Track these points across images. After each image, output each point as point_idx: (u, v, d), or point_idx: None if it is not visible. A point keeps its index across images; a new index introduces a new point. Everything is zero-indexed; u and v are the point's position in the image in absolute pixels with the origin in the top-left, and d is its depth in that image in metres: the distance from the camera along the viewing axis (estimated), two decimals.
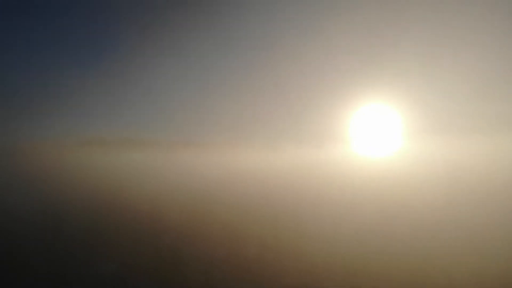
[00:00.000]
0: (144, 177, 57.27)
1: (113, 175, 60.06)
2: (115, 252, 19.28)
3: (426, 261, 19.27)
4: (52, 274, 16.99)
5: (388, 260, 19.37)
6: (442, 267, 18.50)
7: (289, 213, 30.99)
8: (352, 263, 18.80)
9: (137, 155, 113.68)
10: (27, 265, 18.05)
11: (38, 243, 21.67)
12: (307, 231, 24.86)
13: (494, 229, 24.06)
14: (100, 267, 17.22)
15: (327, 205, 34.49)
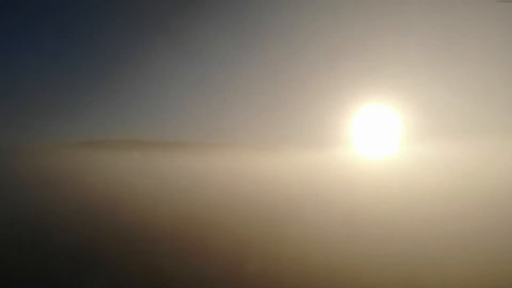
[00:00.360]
0: (145, 180, 57.13)
1: (113, 178, 59.88)
2: (109, 265, 18.94)
3: (429, 265, 19.06)
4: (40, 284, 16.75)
5: (394, 265, 19.13)
6: (446, 271, 18.30)
7: (290, 216, 30.70)
8: (357, 270, 18.54)
9: (139, 157, 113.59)
10: (14, 273, 17.80)
11: (29, 249, 21.43)
12: (309, 235, 24.58)
13: (495, 232, 23.92)
14: (92, 282, 16.89)
15: (329, 208, 34.24)
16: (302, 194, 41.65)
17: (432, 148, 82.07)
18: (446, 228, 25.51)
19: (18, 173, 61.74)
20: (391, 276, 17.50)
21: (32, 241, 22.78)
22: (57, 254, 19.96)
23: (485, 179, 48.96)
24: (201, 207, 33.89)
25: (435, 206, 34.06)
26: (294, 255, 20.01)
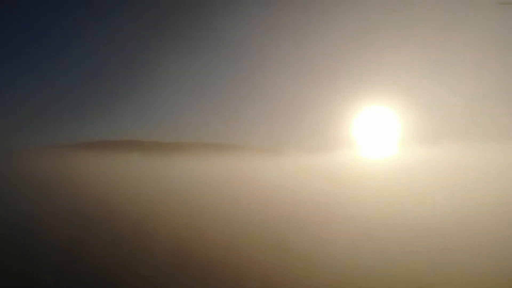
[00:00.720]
0: (144, 180, 56.57)
1: (112, 178, 59.33)
2: (104, 267, 18.34)
3: (431, 265, 18.65)
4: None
5: (397, 267, 18.70)
6: (448, 272, 17.92)
7: (293, 219, 30.17)
8: (361, 276, 18.00)
9: (138, 157, 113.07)
10: (10, 274, 17.28)
11: (25, 251, 20.91)
12: (312, 239, 24.00)
13: (496, 233, 23.64)
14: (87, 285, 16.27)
15: (332, 210, 33.70)
16: (305, 196, 41.13)
17: (435, 150, 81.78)
18: (448, 229, 25.15)
19: (17, 175, 61.28)
20: (394, 278, 17.05)
21: (28, 242, 22.29)
22: (52, 256, 19.47)
23: (486, 180, 48.61)
24: (201, 210, 33.29)
25: (437, 207, 33.67)
26: (296, 262, 19.46)
